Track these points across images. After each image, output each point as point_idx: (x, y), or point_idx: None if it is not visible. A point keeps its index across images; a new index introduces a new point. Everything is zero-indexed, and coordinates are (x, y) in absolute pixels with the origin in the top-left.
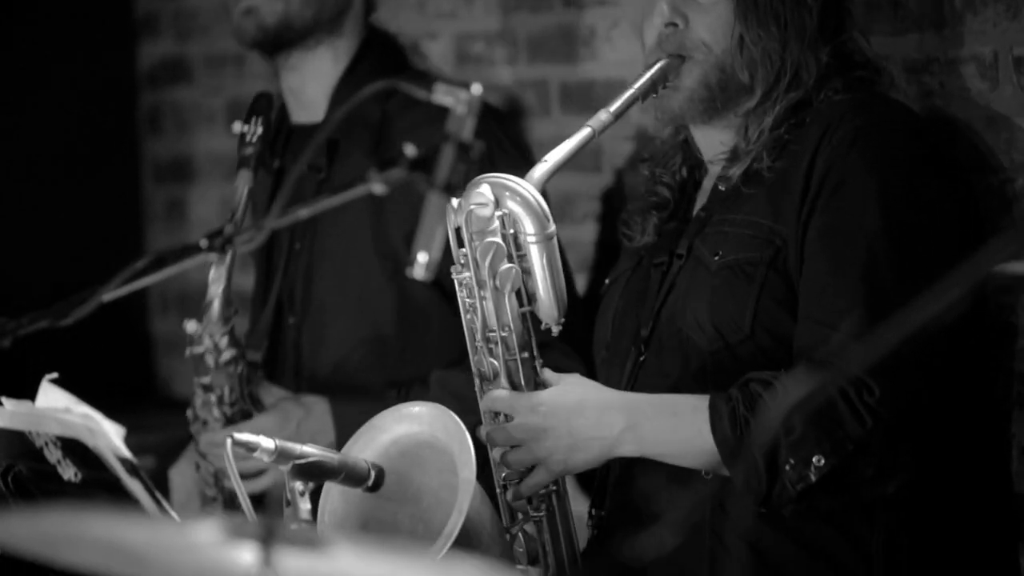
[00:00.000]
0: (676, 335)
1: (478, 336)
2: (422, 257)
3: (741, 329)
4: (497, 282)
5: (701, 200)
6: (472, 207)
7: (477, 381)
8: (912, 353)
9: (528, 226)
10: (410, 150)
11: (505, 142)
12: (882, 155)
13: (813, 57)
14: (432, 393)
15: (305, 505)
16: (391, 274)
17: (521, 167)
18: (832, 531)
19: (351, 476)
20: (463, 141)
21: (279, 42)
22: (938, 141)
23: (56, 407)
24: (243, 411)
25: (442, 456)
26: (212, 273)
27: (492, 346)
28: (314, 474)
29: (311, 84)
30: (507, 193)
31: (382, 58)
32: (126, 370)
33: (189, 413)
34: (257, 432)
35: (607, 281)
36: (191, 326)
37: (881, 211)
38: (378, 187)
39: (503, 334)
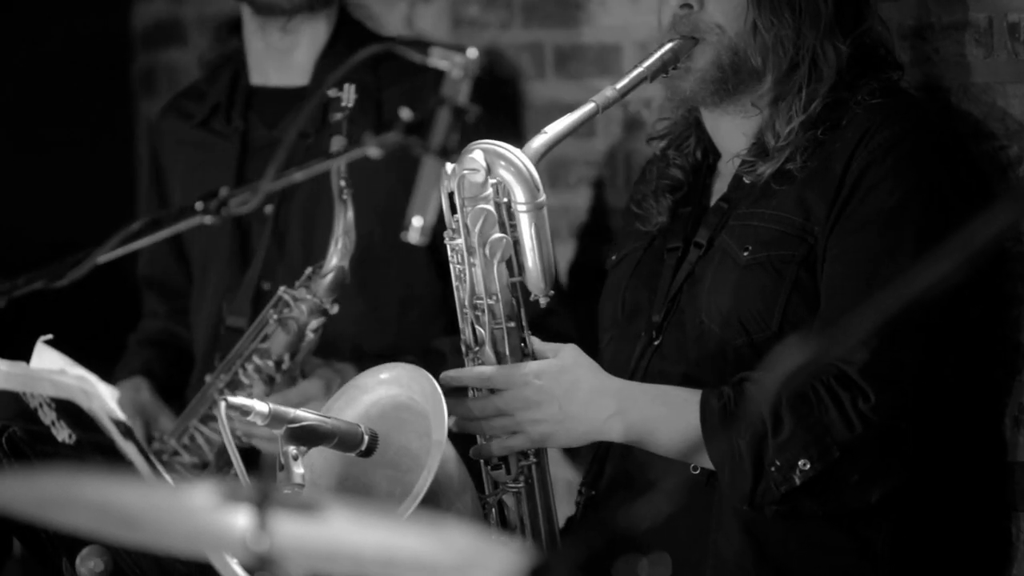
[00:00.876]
0: (698, 326)
1: (466, 303)
2: (416, 221)
3: (768, 326)
4: (487, 250)
5: (719, 187)
6: (465, 172)
7: (463, 348)
8: (912, 359)
9: (519, 194)
10: (405, 114)
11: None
12: (915, 167)
13: (832, 48)
14: (449, 359)
15: (299, 469)
16: (391, 244)
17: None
18: (832, 527)
19: (344, 441)
20: (459, 105)
21: (296, 4)
22: (968, 151)
23: (51, 368)
24: (291, 377)
25: (420, 419)
26: (338, 242)
27: (479, 313)
28: (308, 438)
29: (303, 47)
30: (500, 161)
31: (361, 26)
32: (119, 333)
33: (217, 379)
34: (306, 399)
35: (613, 257)
36: (294, 291)
37: (907, 225)
38: (373, 151)
39: (490, 302)
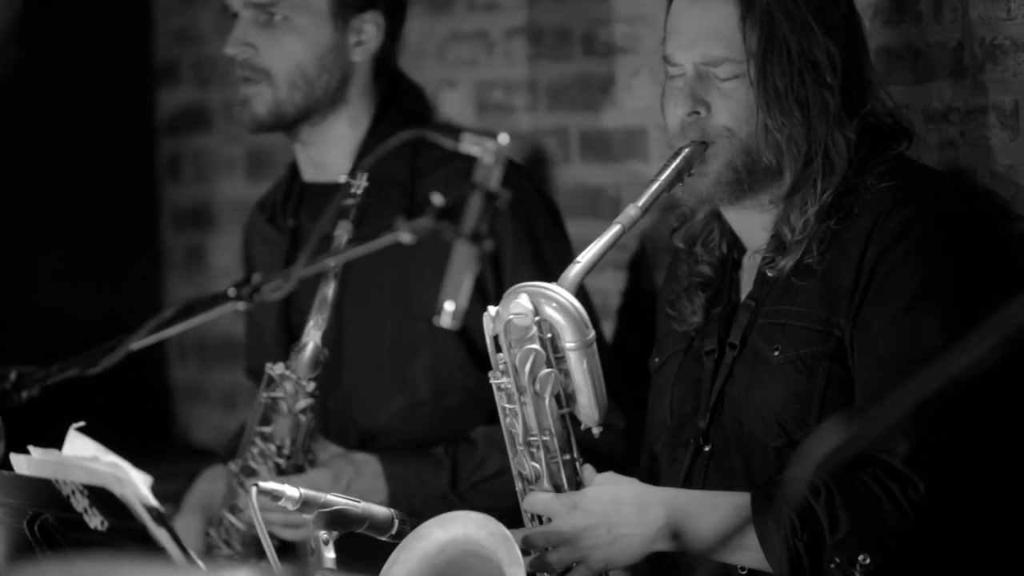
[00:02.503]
0: (738, 430)
1: (519, 440)
2: (448, 306)
3: (807, 425)
4: (537, 387)
5: (746, 283)
6: (511, 316)
7: (519, 484)
8: (954, 443)
9: (568, 335)
10: (437, 199)
11: (537, 200)
12: (932, 247)
13: (841, 135)
14: (480, 450)
15: (329, 554)
16: (425, 334)
17: (550, 223)
18: None
19: (375, 525)
20: (490, 190)
21: (277, 126)
22: (989, 225)
23: (83, 455)
24: (297, 465)
25: (488, 564)
26: (312, 318)
27: (534, 450)
28: (339, 523)
29: (331, 151)
30: (548, 303)
31: (405, 115)
32: (145, 418)
33: (235, 464)
34: (310, 488)
35: (656, 360)
36: (277, 368)
37: (930, 308)
38: (405, 236)
39: (544, 438)
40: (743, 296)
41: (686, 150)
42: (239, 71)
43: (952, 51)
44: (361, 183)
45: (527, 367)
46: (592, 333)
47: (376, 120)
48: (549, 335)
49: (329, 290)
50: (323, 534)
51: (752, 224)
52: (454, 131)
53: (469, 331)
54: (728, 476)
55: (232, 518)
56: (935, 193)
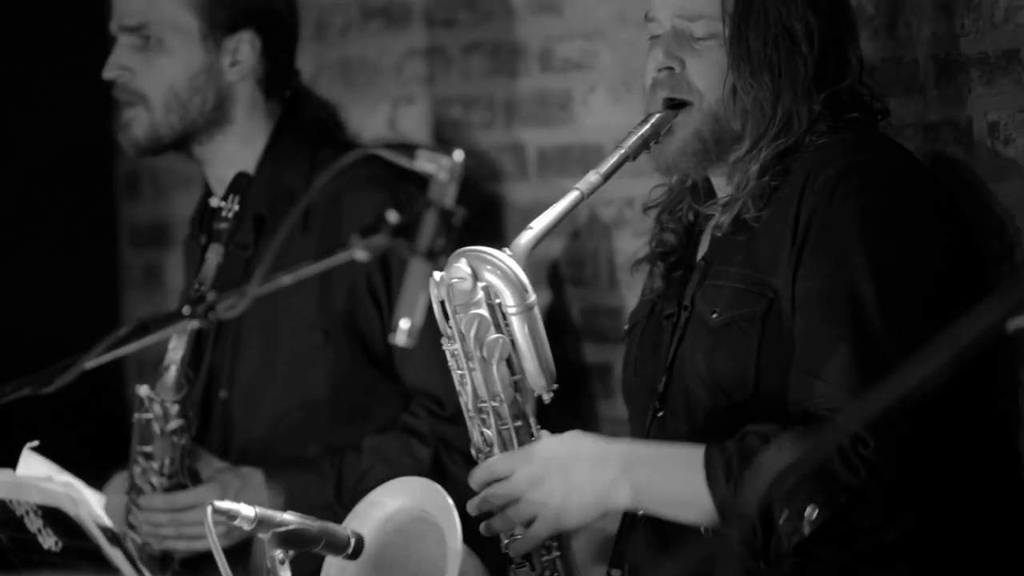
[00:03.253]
0: (684, 392)
1: (470, 406)
2: (404, 323)
3: (745, 387)
4: (484, 353)
5: (703, 246)
6: (453, 280)
7: (473, 452)
8: (908, 407)
9: (508, 298)
10: (392, 216)
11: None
12: (863, 197)
13: (806, 106)
14: (364, 460)
15: (286, 573)
16: (320, 343)
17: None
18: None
19: (331, 544)
20: (445, 208)
21: (157, 149)
22: (927, 180)
23: (38, 475)
24: (179, 484)
25: (435, 530)
26: (173, 340)
27: (485, 416)
28: (295, 542)
29: (229, 170)
30: (486, 266)
31: (306, 131)
32: (102, 436)
33: (123, 481)
34: (196, 504)
35: (625, 327)
36: (143, 390)
37: (863, 255)
38: (360, 254)
39: (494, 404)
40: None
41: (654, 117)
42: (117, 95)
43: (906, 67)
44: (233, 207)
45: (472, 332)
46: (533, 297)
47: (274, 137)
48: (498, 301)
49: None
50: (279, 553)
51: (718, 184)
52: (408, 148)
53: (365, 333)
54: (678, 439)
55: (132, 534)
56: (866, 146)
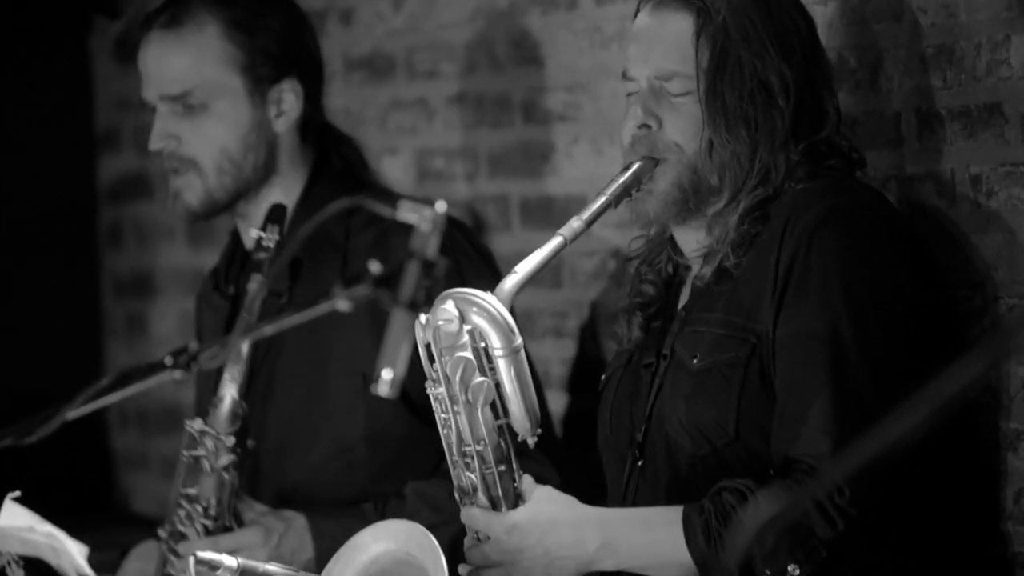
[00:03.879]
0: (664, 439)
1: (454, 450)
2: (387, 374)
3: (727, 432)
4: (469, 396)
5: (684, 298)
6: (439, 323)
7: (457, 495)
8: (885, 460)
9: (494, 340)
10: (375, 267)
11: (471, 252)
12: (841, 242)
13: (784, 157)
14: (409, 505)
15: None
16: (359, 389)
17: (487, 277)
18: None
19: None
20: (427, 258)
21: (212, 212)
22: (902, 223)
23: (19, 526)
24: (224, 526)
25: (419, 573)
26: (227, 372)
27: (469, 460)
28: None
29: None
30: (472, 308)
31: (339, 177)
32: (86, 486)
33: (164, 529)
34: (240, 548)
35: (603, 378)
36: (196, 424)
37: (843, 300)
38: (343, 304)
39: (479, 448)
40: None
41: (635, 165)
42: (166, 164)
43: (888, 120)
44: (273, 236)
45: (458, 375)
46: (519, 340)
47: (309, 185)
48: (483, 344)
49: (244, 344)
50: None
51: (690, 238)
52: (392, 198)
53: (406, 387)
54: (657, 488)
55: None
56: (844, 191)
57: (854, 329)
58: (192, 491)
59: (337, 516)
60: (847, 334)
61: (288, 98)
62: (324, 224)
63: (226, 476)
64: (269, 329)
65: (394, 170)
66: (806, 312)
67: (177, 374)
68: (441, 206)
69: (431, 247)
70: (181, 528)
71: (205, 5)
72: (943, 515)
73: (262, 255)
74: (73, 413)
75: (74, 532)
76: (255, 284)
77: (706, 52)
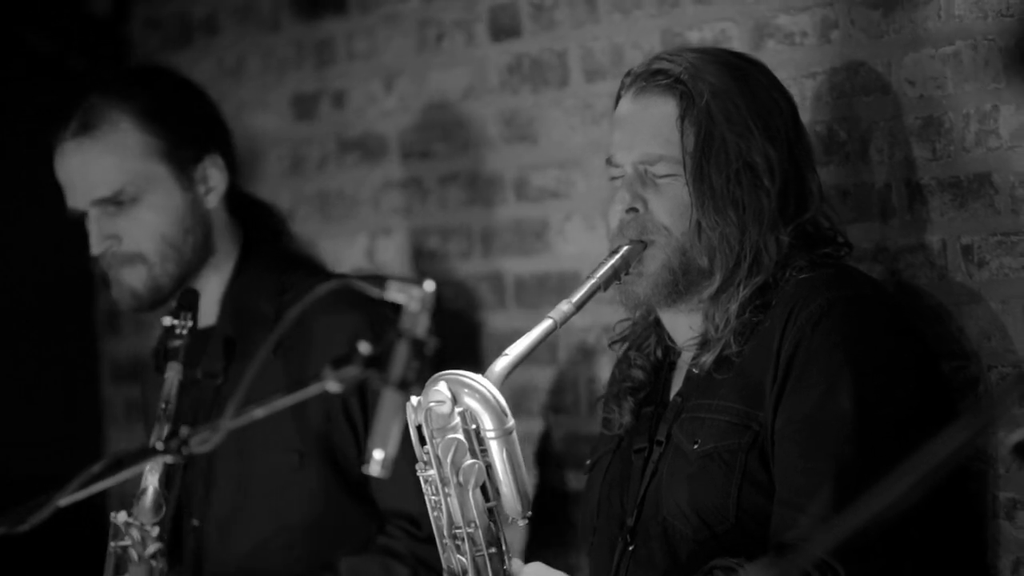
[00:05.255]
0: (660, 524)
1: (445, 533)
2: (378, 454)
3: (726, 518)
4: (460, 478)
5: (677, 383)
6: (431, 404)
7: None
8: (878, 533)
9: (486, 422)
10: (364, 347)
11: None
12: (845, 333)
13: (774, 239)
14: None
15: None
16: (296, 466)
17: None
18: None
19: None
20: (417, 338)
21: (158, 300)
22: (903, 313)
23: None
24: None
25: None
26: (149, 464)
27: (459, 542)
28: None
29: (204, 298)
30: (464, 390)
31: (268, 251)
32: (85, 571)
33: None
34: None
35: (587, 463)
36: (120, 517)
37: (845, 392)
38: (333, 385)
39: (469, 530)
40: (672, 395)
41: (624, 248)
42: (109, 262)
43: (879, 192)
44: (186, 323)
45: (449, 457)
46: (511, 422)
47: (241, 262)
48: (474, 426)
49: (164, 433)
50: None
51: (681, 324)
52: (379, 279)
53: (340, 457)
54: (652, 572)
55: None
56: (846, 282)
57: (856, 420)
58: None
59: None
60: (848, 425)
61: (213, 173)
62: (257, 303)
63: (154, 564)
64: (260, 412)
65: (388, 250)
66: (807, 401)
67: (168, 458)
68: (429, 285)
69: (420, 326)
70: None
71: (112, 103)
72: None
73: (176, 343)
74: (66, 499)
75: None
76: (172, 372)
77: (691, 135)
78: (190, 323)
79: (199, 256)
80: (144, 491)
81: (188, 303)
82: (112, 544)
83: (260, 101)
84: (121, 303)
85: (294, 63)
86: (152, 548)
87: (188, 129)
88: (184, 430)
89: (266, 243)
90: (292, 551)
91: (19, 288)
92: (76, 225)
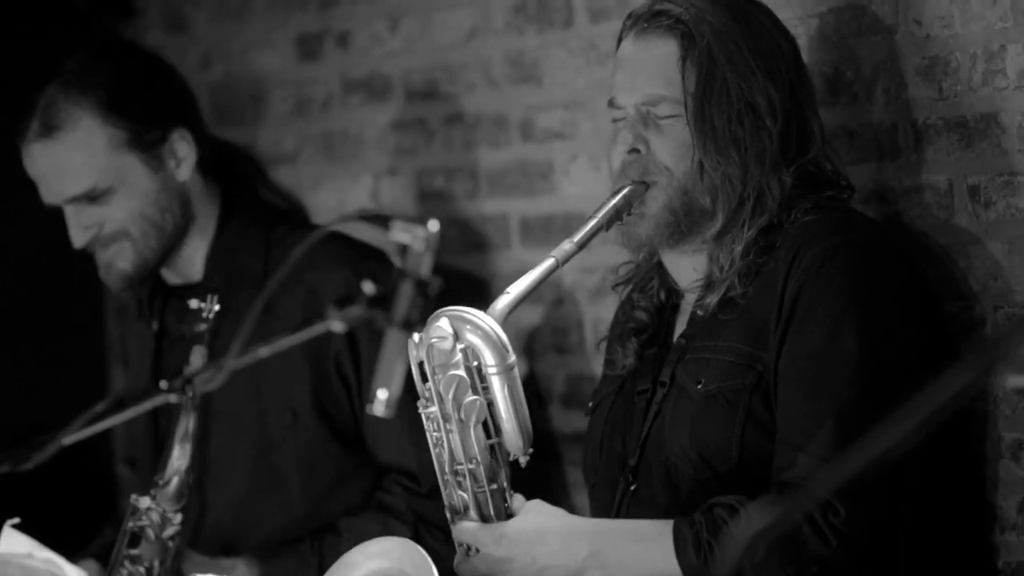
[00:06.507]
0: (663, 464)
1: (446, 469)
2: (382, 394)
3: (729, 458)
4: (462, 415)
5: (680, 325)
6: (432, 341)
7: (448, 514)
8: (879, 474)
9: (488, 357)
10: (368, 287)
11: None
12: (851, 276)
13: (776, 180)
14: (344, 541)
15: None
16: (289, 425)
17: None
18: None
19: None
20: (421, 278)
21: (145, 275)
22: (908, 259)
23: (18, 552)
24: None
25: None
26: (176, 450)
27: (460, 479)
28: None
29: (187, 262)
30: (466, 326)
31: (247, 202)
32: (90, 513)
33: (95, 569)
34: None
35: (590, 404)
36: (143, 502)
37: (849, 333)
38: (337, 325)
39: (470, 466)
40: (676, 337)
41: (626, 189)
42: (96, 248)
43: (886, 132)
44: (212, 307)
45: (451, 394)
46: (513, 358)
47: (224, 217)
48: (476, 363)
49: (190, 422)
50: None
51: (684, 265)
52: (383, 219)
53: (333, 412)
54: (654, 511)
55: None
56: (853, 226)
57: (859, 361)
58: (135, 552)
59: (274, 557)
60: (851, 366)
61: (181, 147)
62: (244, 262)
63: (169, 544)
64: (264, 351)
65: (394, 190)
66: (811, 342)
67: (172, 397)
68: (434, 225)
69: (424, 266)
70: None
71: (71, 98)
72: (942, 531)
73: (202, 326)
74: (69, 439)
75: (72, 558)
76: (197, 356)
77: (693, 76)
78: (216, 307)
79: (180, 228)
80: (169, 480)
81: (214, 287)
82: (130, 523)
83: (265, 42)
84: (113, 286)
85: (298, 4)
86: (170, 531)
87: (150, 112)
88: (188, 368)
89: (245, 197)
90: (290, 509)
91: (24, 226)
92: None
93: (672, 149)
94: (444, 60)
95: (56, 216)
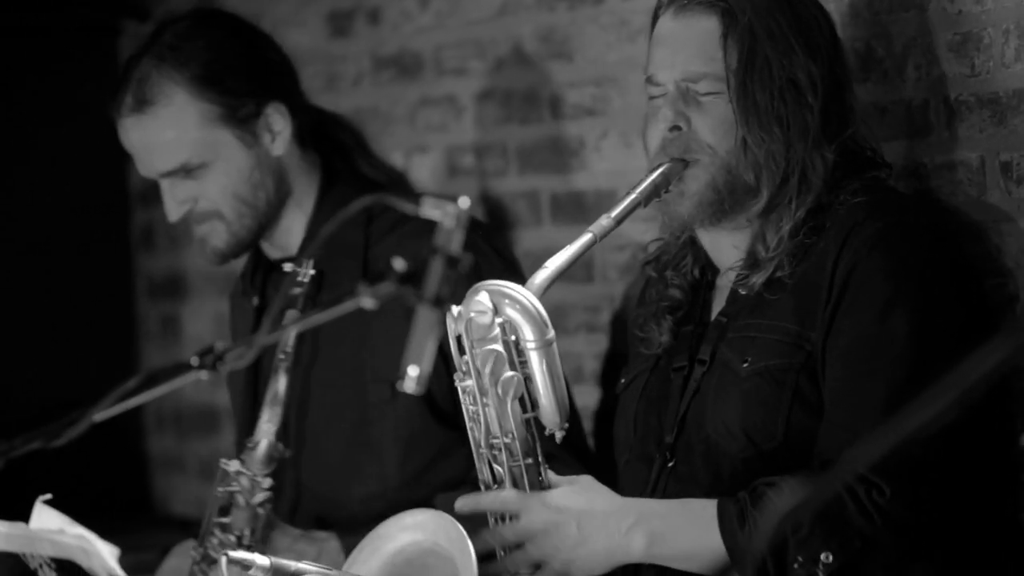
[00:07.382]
0: (704, 441)
1: (482, 443)
2: (412, 371)
3: (774, 436)
4: (499, 389)
5: (718, 302)
6: (472, 315)
7: (482, 488)
8: (924, 453)
9: (527, 332)
10: (399, 264)
11: (491, 254)
12: (902, 258)
13: (819, 156)
14: None
15: None
16: (388, 398)
17: (507, 278)
18: None
19: None
20: (452, 254)
21: (240, 251)
22: (957, 242)
23: (50, 528)
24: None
25: (446, 563)
26: (266, 413)
27: (496, 452)
28: None
29: (287, 235)
30: (506, 300)
31: (348, 172)
32: (122, 489)
33: (195, 552)
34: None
35: (622, 381)
36: (232, 466)
37: (900, 316)
38: (367, 301)
39: (506, 440)
40: (714, 315)
41: (664, 166)
42: (191, 224)
43: (918, 108)
44: (307, 271)
45: (488, 368)
46: (552, 333)
47: (322, 192)
48: (513, 338)
49: (280, 385)
50: None
51: (723, 243)
52: (414, 195)
53: (430, 386)
54: (694, 489)
55: None
56: (903, 208)
57: (909, 344)
58: (226, 520)
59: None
60: (901, 348)
61: (276, 120)
62: (345, 231)
63: (260, 511)
64: (295, 327)
65: (423, 167)
66: (861, 323)
67: (204, 374)
68: (464, 201)
69: (455, 243)
70: (212, 554)
71: (164, 72)
72: (979, 512)
73: (296, 290)
74: (101, 415)
75: (112, 535)
76: (289, 321)
77: (734, 52)
78: (311, 271)
79: (275, 204)
80: (258, 443)
81: (310, 251)
82: (219, 489)
83: (295, 18)
84: (208, 261)
85: None
86: (260, 497)
87: (245, 85)
88: (219, 345)
89: (346, 168)
90: (386, 484)
91: (55, 207)
92: (112, 141)
93: (714, 126)
94: (475, 36)
95: (86, 194)
